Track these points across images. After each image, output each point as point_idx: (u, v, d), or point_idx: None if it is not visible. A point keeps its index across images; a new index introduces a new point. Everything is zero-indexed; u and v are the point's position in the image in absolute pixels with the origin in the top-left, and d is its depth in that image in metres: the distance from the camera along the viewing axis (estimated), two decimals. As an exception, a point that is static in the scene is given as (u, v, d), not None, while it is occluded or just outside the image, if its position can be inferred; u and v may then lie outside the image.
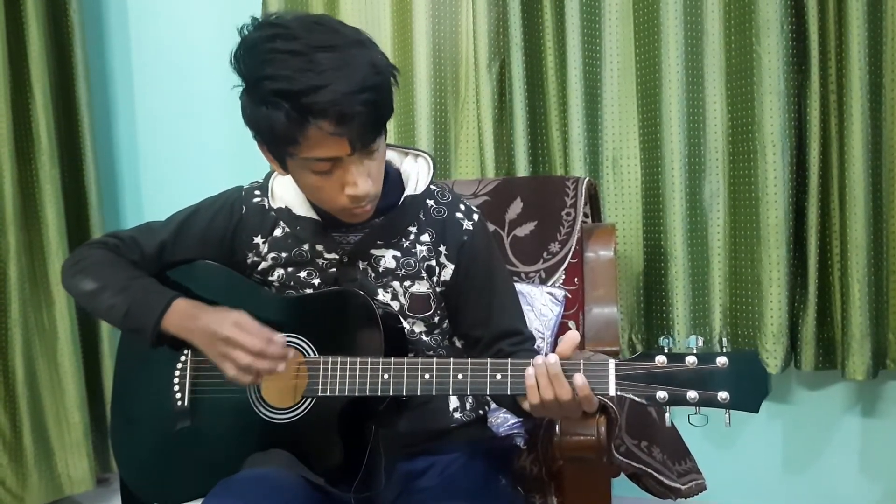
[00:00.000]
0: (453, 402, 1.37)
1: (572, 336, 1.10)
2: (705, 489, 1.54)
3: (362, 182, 1.17)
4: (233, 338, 1.17)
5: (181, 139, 2.58)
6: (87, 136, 2.45)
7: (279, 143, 1.15)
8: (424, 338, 1.33)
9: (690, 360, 1.04)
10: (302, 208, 1.31)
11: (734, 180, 2.09)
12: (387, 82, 1.15)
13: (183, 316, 1.24)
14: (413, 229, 1.31)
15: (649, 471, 1.43)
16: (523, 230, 1.87)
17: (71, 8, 2.40)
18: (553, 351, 1.10)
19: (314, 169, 1.16)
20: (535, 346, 1.39)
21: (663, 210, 2.09)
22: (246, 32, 1.16)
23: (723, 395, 1.03)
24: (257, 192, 1.37)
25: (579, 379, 1.06)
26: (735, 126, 2.07)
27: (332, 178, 1.17)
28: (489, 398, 1.46)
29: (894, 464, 2.13)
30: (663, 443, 1.49)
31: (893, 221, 1.98)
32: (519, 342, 1.32)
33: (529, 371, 1.09)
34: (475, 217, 1.34)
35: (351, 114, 1.09)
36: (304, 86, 1.08)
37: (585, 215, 1.86)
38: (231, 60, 1.16)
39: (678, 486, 1.49)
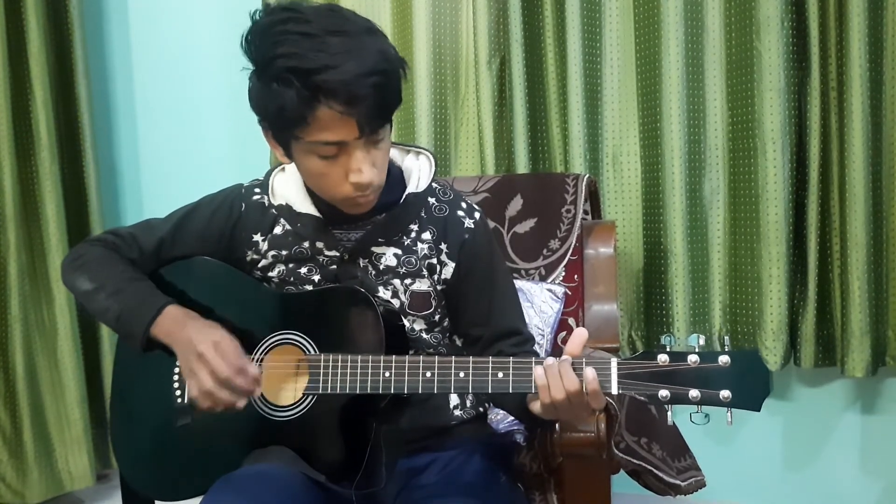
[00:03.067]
0: (454, 399, 1.38)
1: (580, 333, 1.10)
2: (705, 486, 1.54)
3: (367, 169, 1.17)
4: (206, 355, 1.16)
5: (181, 135, 2.58)
6: (86, 132, 2.45)
7: (287, 125, 1.15)
8: (424, 336, 1.33)
9: (692, 358, 1.04)
10: (303, 205, 1.30)
11: (734, 177, 2.09)
12: (396, 71, 1.16)
13: (172, 323, 1.23)
14: (414, 227, 1.31)
15: (649, 467, 1.44)
16: (523, 227, 1.88)
17: (71, 4, 2.40)
18: (555, 348, 1.10)
19: (320, 153, 1.16)
20: (535, 347, 1.39)
21: (663, 207, 2.09)
22: (258, 17, 1.16)
23: (725, 393, 1.03)
24: (257, 190, 1.37)
25: (590, 372, 1.06)
26: (735, 123, 2.07)
27: (337, 164, 1.17)
28: (498, 407, 1.46)
29: (894, 460, 2.14)
30: (663, 439, 1.49)
31: (893, 219, 1.98)
32: (519, 343, 1.32)
33: (539, 371, 1.09)
34: (476, 215, 1.34)
35: (361, 95, 1.10)
36: (317, 64, 1.09)
37: (585, 212, 1.86)
38: (241, 43, 1.16)
39: (678, 482, 1.49)
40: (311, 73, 1.09)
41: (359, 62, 1.10)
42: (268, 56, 1.12)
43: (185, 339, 1.20)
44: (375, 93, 1.11)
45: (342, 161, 1.16)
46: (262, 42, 1.14)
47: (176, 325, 1.23)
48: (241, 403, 1.18)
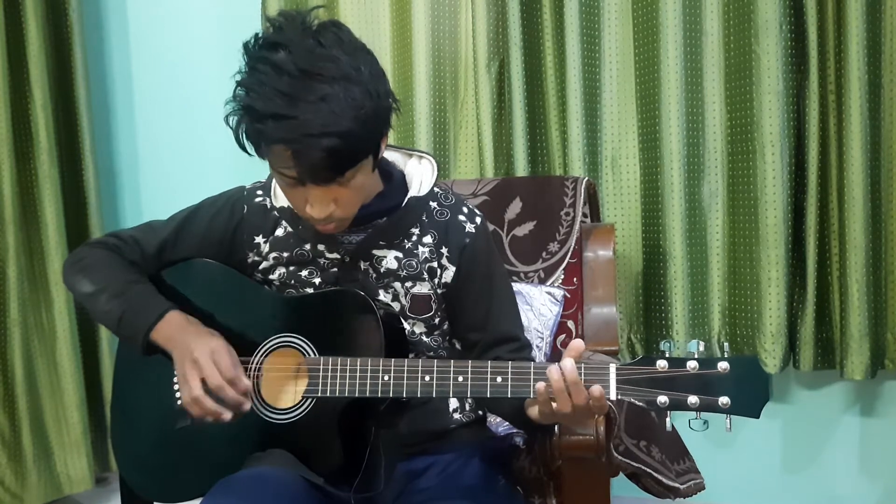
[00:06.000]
0: (453, 402, 1.38)
1: (577, 345, 1.10)
2: (704, 489, 1.54)
3: (320, 208, 1.17)
4: (200, 362, 1.18)
5: (180, 138, 2.58)
6: (86, 135, 2.44)
7: (252, 147, 1.16)
8: (425, 339, 1.33)
9: (692, 364, 1.04)
10: (304, 207, 1.31)
11: (733, 180, 2.09)
12: (364, 127, 1.11)
13: (173, 328, 1.24)
14: (416, 231, 1.31)
15: (648, 470, 1.43)
16: (522, 230, 1.88)
17: (70, 7, 2.40)
18: (554, 350, 1.10)
19: (282, 180, 1.17)
20: (532, 354, 1.39)
21: (662, 210, 2.09)
22: (266, 26, 1.16)
23: (724, 400, 1.03)
24: (259, 192, 1.37)
25: (597, 390, 1.06)
26: (734, 126, 2.07)
27: (298, 192, 1.17)
28: (494, 413, 1.46)
29: (893, 463, 2.14)
30: (662, 442, 1.49)
31: (892, 221, 1.98)
32: (516, 349, 1.33)
33: (541, 385, 1.09)
34: (477, 220, 1.35)
35: (305, 154, 1.08)
36: (266, 111, 1.08)
37: (584, 215, 1.86)
38: (241, 49, 1.16)
39: (677, 485, 1.49)
40: (259, 119, 1.09)
41: (316, 118, 1.06)
42: (240, 81, 1.13)
43: (183, 345, 1.21)
44: (324, 155, 1.08)
45: (301, 191, 1.16)
46: (246, 60, 1.14)
47: (176, 330, 1.23)
48: (227, 416, 1.19)
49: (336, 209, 1.18)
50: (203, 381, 1.18)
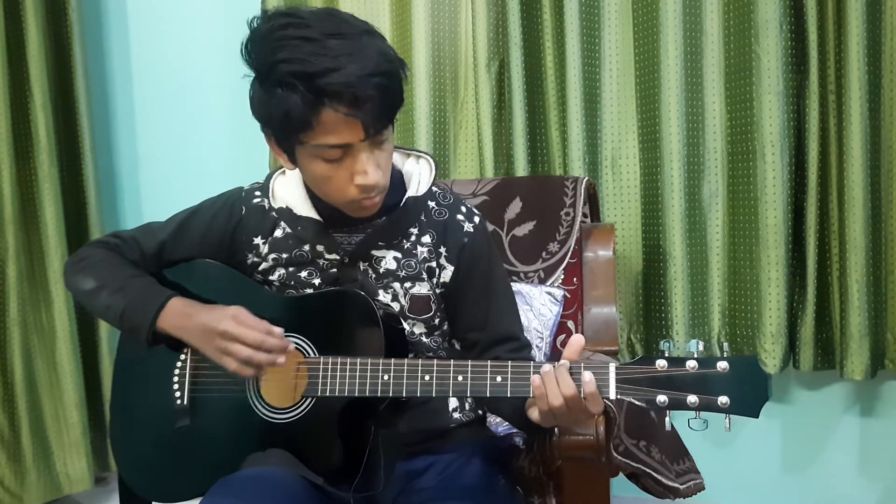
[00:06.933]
0: (453, 402, 1.38)
1: (577, 339, 1.10)
2: (704, 489, 1.54)
3: (372, 171, 1.17)
4: (230, 331, 1.17)
5: (180, 138, 2.58)
6: (86, 135, 2.45)
7: (292, 130, 1.15)
8: (424, 339, 1.33)
9: (691, 364, 1.04)
10: (303, 208, 1.31)
11: (733, 180, 2.09)
12: (397, 71, 1.16)
13: (178, 315, 1.24)
14: (414, 231, 1.31)
15: (648, 470, 1.43)
16: (522, 230, 1.88)
17: (70, 7, 2.40)
18: (554, 351, 1.10)
19: (325, 157, 1.16)
20: (532, 354, 1.39)
21: (662, 210, 2.09)
22: (256, 24, 1.17)
23: (723, 399, 1.03)
24: (258, 193, 1.37)
25: (588, 375, 1.06)
26: (734, 126, 2.07)
27: (342, 167, 1.17)
28: (495, 414, 1.46)
29: (893, 463, 2.14)
30: (662, 442, 1.49)
31: (892, 222, 1.98)
32: (516, 349, 1.33)
33: (536, 378, 1.09)
34: (476, 220, 1.35)
35: (365, 97, 1.11)
36: (320, 68, 1.09)
37: (584, 215, 1.86)
38: (241, 51, 1.17)
39: (677, 485, 1.49)
40: (315, 77, 1.09)
41: (361, 64, 1.10)
42: (269, 62, 1.12)
43: (200, 327, 1.20)
44: (379, 93, 1.12)
45: (347, 164, 1.17)
46: (262, 48, 1.14)
47: (183, 317, 1.23)
48: (282, 360, 1.18)
49: (381, 175, 1.19)
50: (243, 344, 1.17)
